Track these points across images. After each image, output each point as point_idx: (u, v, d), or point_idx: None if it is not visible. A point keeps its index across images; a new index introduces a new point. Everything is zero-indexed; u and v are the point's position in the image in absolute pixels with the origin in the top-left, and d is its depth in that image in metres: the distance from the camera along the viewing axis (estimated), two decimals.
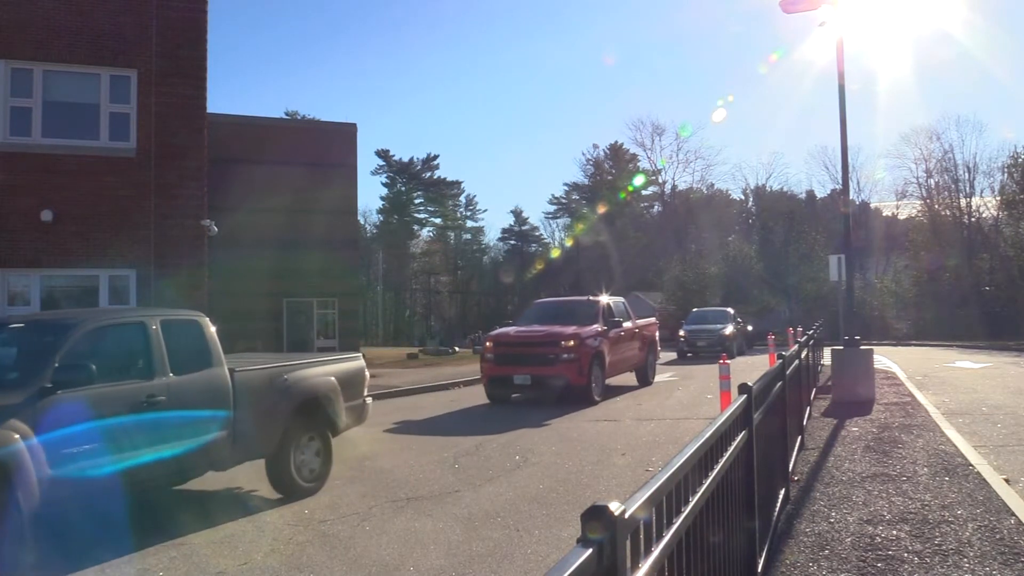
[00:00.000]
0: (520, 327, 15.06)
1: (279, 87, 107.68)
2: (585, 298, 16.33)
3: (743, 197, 71.48)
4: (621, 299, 16.93)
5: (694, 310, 31.98)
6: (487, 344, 14.50)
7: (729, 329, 26.72)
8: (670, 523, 2.02)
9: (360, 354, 8.65)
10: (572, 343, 13.43)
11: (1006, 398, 12.65)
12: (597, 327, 14.31)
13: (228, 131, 26.40)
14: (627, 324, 15.75)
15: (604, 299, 15.66)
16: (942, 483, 6.54)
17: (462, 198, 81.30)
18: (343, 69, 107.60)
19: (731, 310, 30.30)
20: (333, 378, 7.73)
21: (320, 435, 7.51)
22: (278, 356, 9.04)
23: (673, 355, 26.15)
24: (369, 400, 8.49)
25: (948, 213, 50.80)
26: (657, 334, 17.76)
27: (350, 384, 8.03)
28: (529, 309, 17.53)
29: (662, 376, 19.25)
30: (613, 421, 11.67)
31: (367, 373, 8.48)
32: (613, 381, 15.70)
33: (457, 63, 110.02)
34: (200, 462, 6.49)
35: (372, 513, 6.45)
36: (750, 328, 33.74)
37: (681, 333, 27.37)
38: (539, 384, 13.62)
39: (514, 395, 14.32)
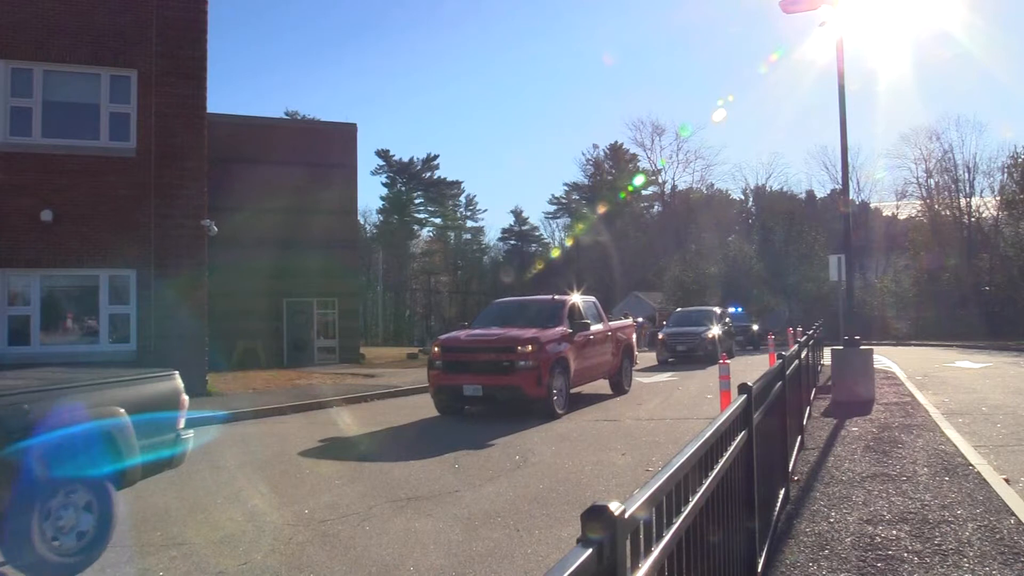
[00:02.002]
0: (473, 330, 13.48)
1: (279, 87, 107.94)
2: (549, 297, 14.60)
3: (743, 197, 71.68)
4: (592, 299, 15.36)
5: (677, 310, 30.21)
6: (434, 350, 13.01)
7: (712, 331, 24.34)
8: (670, 523, 2.02)
9: (175, 372, 6.35)
10: (530, 348, 11.88)
11: (1006, 398, 12.66)
12: (561, 330, 12.82)
13: (228, 131, 26.43)
14: (597, 326, 14.26)
15: (571, 298, 14.10)
16: (942, 483, 6.54)
17: (462, 198, 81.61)
18: (343, 69, 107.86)
19: (718, 309, 27.80)
20: (120, 408, 5.50)
21: (93, 489, 5.25)
22: (39, 374, 6.50)
23: (662, 360, 24.26)
24: (189, 435, 6.28)
25: (948, 213, 50.87)
26: (634, 337, 16.34)
27: (153, 415, 5.88)
28: (486, 309, 15.81)
29: (661, 377, 19.26)
30: (613, 421, 11.68)
31: (185, 397, 6.30)
32: (596, 387, 15.55)
33: (457, 63, 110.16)
34: None
35: (372, 513, 6.44)
36: (755, 327, 33.24)
37: (660, 336, 25.27)
38: (492, 396, 12.12)
39: (466, 407, 12.99)
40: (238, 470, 8.60)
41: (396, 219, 76.71)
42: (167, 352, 15.55)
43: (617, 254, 64.92)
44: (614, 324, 15.52)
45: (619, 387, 15.32)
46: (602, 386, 15.42)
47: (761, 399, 4.40)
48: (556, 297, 14.29)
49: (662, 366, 22.95)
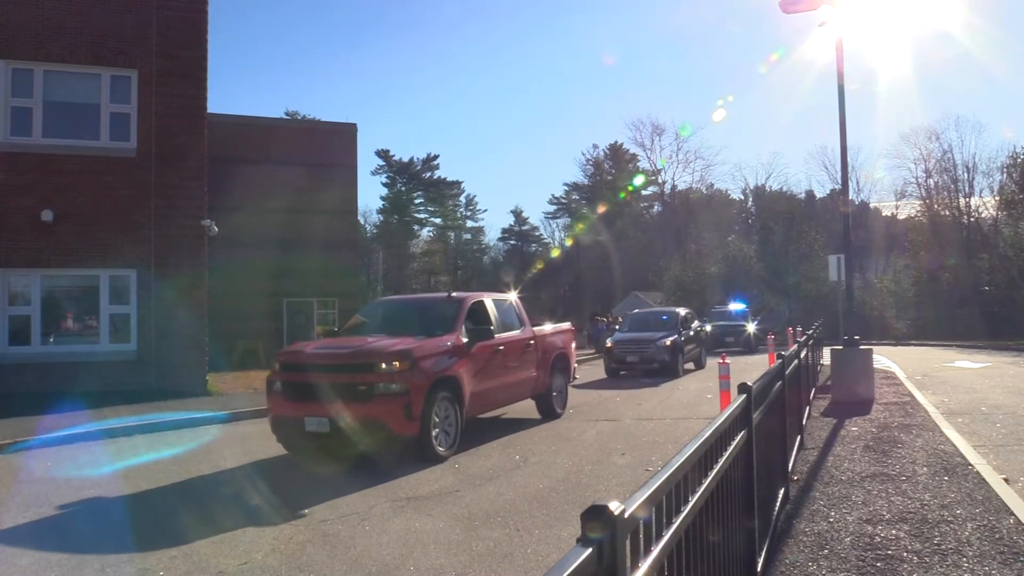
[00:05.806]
0: (329, 340, 10.41)
1: (279, 87, 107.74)
2: (444, 296, 11.42)
3: (743, 197, 71.63)
4: (511, 296, 12.10)
5: (635, 311, 25.96)
6: (274, 366, 9.49)
7: (672, 339, 19.63)
8: (670, 523, 2.03)
9: None
10: (397, 366, 8.58)
11: (1005, 398, 12.67)
12: (451, 339, 9.51)
13: (228, 131, 26.44)
14: (511, 333, 11.09)
15: (474, 297, 10.93)
16: (941, 483, 6.55)
17: (462, 198, 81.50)
18: (343, 69, 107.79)
19: (682, 311, 22.33)
20: None
21: None
22: None
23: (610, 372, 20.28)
24: None
25: (947, 213, 50.84)
26: (573, 345, 13.20)
27: None
28: (362, 311, 12.56)
29: (659, 378, 19.21)
30: (613, 421, 11.68)
31: None
32: (596, 388, 15.44)
33: (457, 63, 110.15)
34: None
35: (372, 513, 6.45)
36: (752, 329, 32.01)
37: (608, 343, 20.87)
38: (343, 433, 8.53)
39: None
40: (238, 470, 8.61)
41: (396, 219, 76.67)
42: (167, 352, 15.57)
43: (617, 254, 64.89)
44: (541, 330, 12.20)
45: (548, 410, 12.00)
46: (601, 388, 15.40)
47: (761, 399, 4.41)
48: (453, 295, 11.12)
49: (607, 382, 18.91)
